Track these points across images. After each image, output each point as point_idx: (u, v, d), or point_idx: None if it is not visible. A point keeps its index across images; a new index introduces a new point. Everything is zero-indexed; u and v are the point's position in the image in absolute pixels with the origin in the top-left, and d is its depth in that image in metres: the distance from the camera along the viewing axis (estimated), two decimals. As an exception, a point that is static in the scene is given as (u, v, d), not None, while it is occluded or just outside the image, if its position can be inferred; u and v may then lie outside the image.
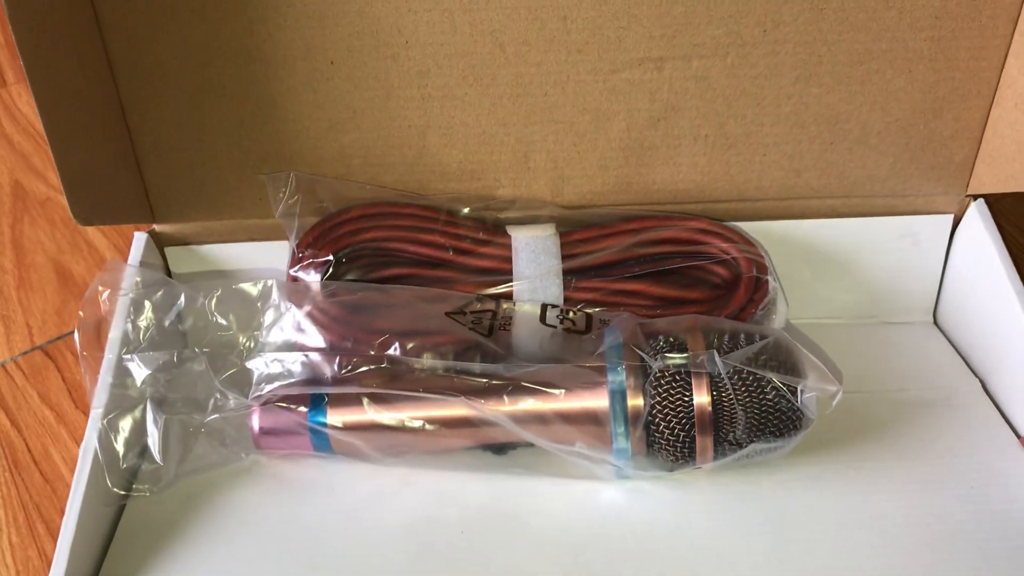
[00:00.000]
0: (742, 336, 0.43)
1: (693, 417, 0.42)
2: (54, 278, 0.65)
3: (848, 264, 0.54)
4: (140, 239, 0.52)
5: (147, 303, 0.48)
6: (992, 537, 0.42)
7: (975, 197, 0.52)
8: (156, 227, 0.53)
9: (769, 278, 0.48)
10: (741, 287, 0.48)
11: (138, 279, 0.49)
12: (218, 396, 0.46)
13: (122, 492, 0.45)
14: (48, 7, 0.43)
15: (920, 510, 0.43)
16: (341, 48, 0.47)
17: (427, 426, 0.44)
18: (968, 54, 0.48)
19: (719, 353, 0.42)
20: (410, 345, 0.46)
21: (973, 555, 0.41)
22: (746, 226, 0.52)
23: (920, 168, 0.52)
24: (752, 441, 0.42)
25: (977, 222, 0.51)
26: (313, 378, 0.46)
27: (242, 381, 0.46)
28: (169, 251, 0.53)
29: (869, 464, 0.46)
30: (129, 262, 0.51)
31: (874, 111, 0.50)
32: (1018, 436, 0.47)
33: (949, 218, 0.53)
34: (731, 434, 0.42)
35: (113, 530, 0.44)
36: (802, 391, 0.41)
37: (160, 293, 0.49)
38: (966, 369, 0.51)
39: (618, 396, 0.42)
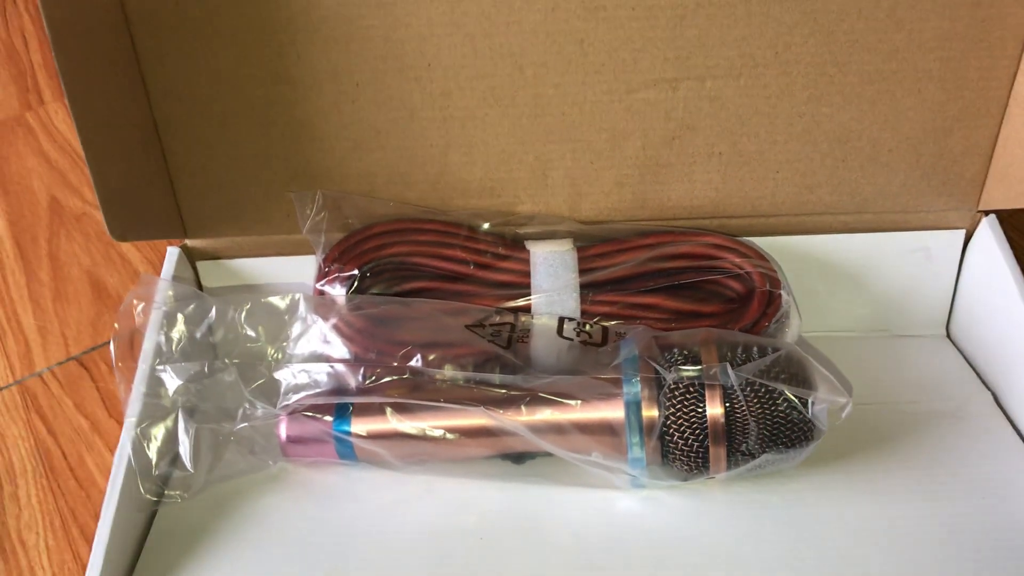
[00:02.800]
0: (755, 349, 0.44)
1: (707, 428, 0.43)
2: (89, 291, 0.67)
3: (861, 278, 0.55)
4: (173, 254, 0.54)
5: (179, 316, 0.50)
6: (1003, 548, 0.42)
7: (986, 213, 0.53)
8: (188, 242, 0.54)
9: (782, 292, 0.49)
10: (755, 301, 0.49)
11: (171, 293, 0.50)
12: (247, 406, 0.47)
13: (154, 498, 0.46)
14: (88, 32, 0.45)
15: (931, 520, 0.44)
16: (366, 71, 0.49)
17: (448, 435, 0.46)
18: (977, 74, 0.49)
19: (732, 365, 0.43)
20: (431, 357, 0.47)
21: (983, 566, 0.42)
22: (760, 241, 0.53)
23: (931, 184, 0.52)
24: (764, 451, 0.43)
25: (989, 237, 0.52)
26: (338, 388, 0.47)
27: (270, 391, 0.48)
28: (200, 265, 0.55)
29: (880, 475, 0.46)
30: (162, 276, 0.52)
31: (885, 129, 0.51)
32: (1029, 448, 0.48)
33: (961, 233, 0.54)
34: (744, 445, 0.43)
35: (145, 535, 0.45)
36: (813, 403, 0.42)
37: (192, 306, 0.50)
38: (978, 382, 0.52)
39: (633, 407, 0.44)
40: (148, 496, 0.46)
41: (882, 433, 0.48)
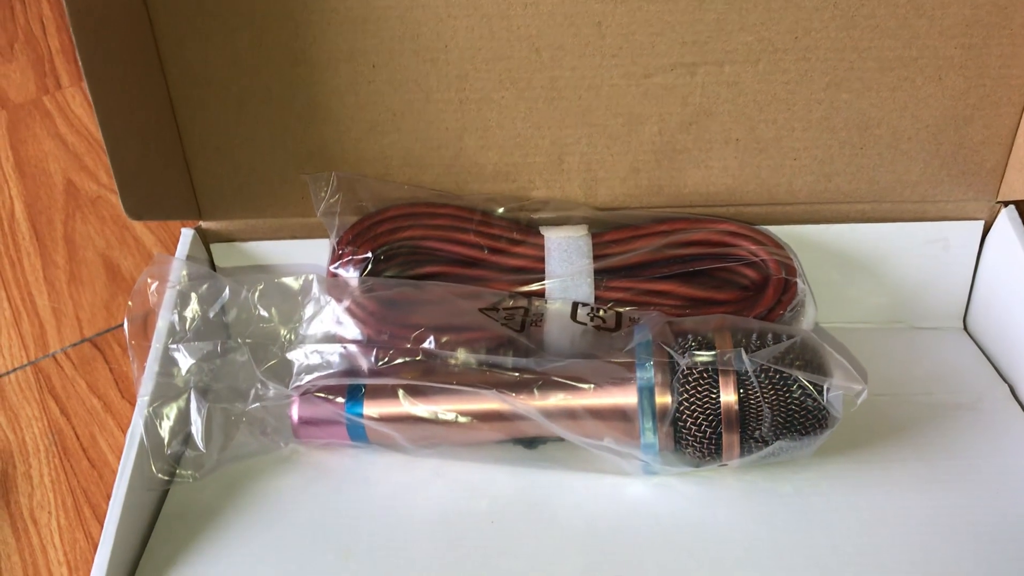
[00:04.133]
0: (769, 336, 0.43)
1: (720, 414, 0.42)
2: (103, 273, 0.67)
3: (878, 269, 0.54)
4: (187, 235, 0.54)
5: (193, 295, 0.50)
6: (1017, 540, 0.42)
7: (1006, 203, 0.52)
8: (203, 224, 0.54)
9: (798, 280, 0.49)
10: (770, 289, 0.49)
11: (184, 272, 0.50)
12: (259, 386, 0.47)
13: (166, 478, 0.46)
14: (106, 15, 0.45)
15: (944, 510, 0.44)
16: (382, 52, 0.49)
17: (460, 418, 0.45)
18: (999, 62, 0.49)
19: (746, 352, 0.42)
20: (444, 340, 0.47)
21: (996, 557, 0.41)
22: (776, 230, 0.53)
23: (950, 174, 0.52)
24: (778, 438, 0.42)
25: (1008, 228, 0.52)
26: (351, 370, 0.47)
27: (283, 372, 0.48)
28: (215, 247, 0.55)
29: (894, 464, 0.46)
30: (176, 257, 0.52)
31: (904, 117, 0.50)
32: (1046, 441, 0.47)
33: (979, 224, 0.53)
34: (757, 431, 0.42)
35: (156, 514, 0.45)
36: (828, 389, 0.42)
37: (205, 286, 0.50)
38: (995, 374, 0.52)
39: (646, 392, 0.43)
40: (160, 475, 0.46)
41: (897, 424, 0.48)
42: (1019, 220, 0.52)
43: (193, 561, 0.43)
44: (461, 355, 0.47)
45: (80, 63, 0.43)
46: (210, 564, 0.43)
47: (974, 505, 0.44)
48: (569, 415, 0.45)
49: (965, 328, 0.56)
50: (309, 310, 0.49)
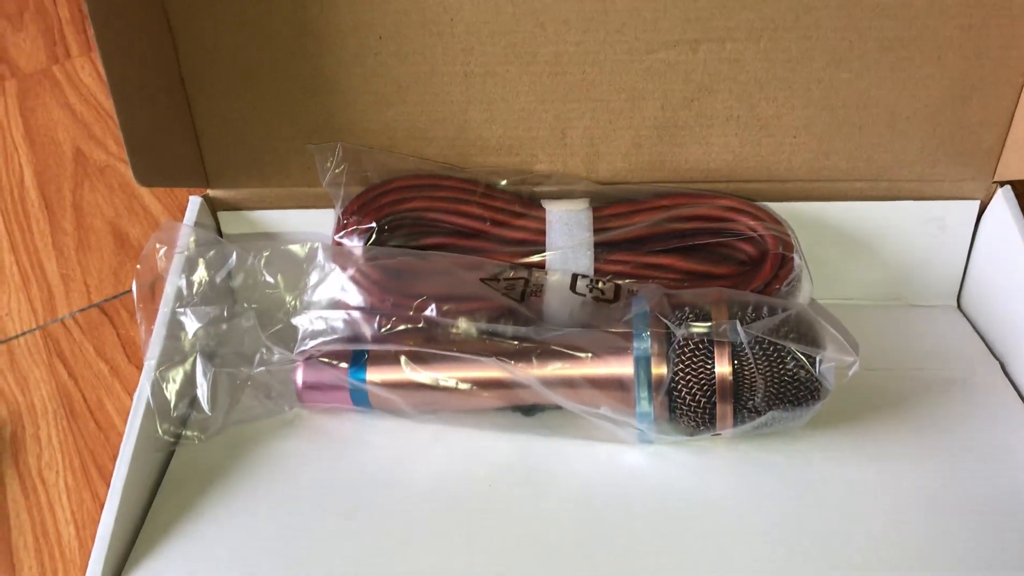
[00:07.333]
0: (765, 309, 0.44)
1: (714, 384, 0.43)
2: (111, 241, 0.68)
3: (874, 247, 0.55)
4: (195, 203, 0.54)
5: (200, 261, 0.50)
6: (1005, 513, 0.43)
7: (1002, 184, 0.53)
8: (210, 192, 0.55)
9: (794, 256, 0.50)
10: (767, 263, 0.49)
11: (192, 238, 0.51)
12: (264, 350, 0.48)
13: (172, 439, 0.47)
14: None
15: (933, 483, 0.44)
16: (389, 24, 0.49)
17: (460, 385, 0.46)
18: (998, 42, 0.49)
19: (742, 324, 0.43)
20: (446, 308, 0.48)
21: (985, 530, 0.42)
22: (775, 206, 0.53)
23: (948, 154, 0.52)
24: (771, 409, 0.43)
25: (1003, 209, 0.52)
26: (354, 336, 0.48)
27: (287, 337, 0.49)
28: (222, 215, 0.56)
29: (885, 437, 0.47)
30: (184, 223, 0.53)
31: (903, 97, 0.51)
32: (1034, 417, 0.48)
33: (976, 204, 0.54)
34: (751, 402, 0.43)
35: (162, 474, 0.46)
36: (820, 361, 0.42)
37: (213, 252, 0.51)
38: (987, 352, 0.52)
39: (643, 362, 0.44)
40: (165, 437, 0.46)
41: (888, 398, 0.49)
42: (1015, 200, 0.52)
43: (197, 520, 0.44)
44: (462, 324, 0.48)
45: (92, 32, 0.44)
46: (214, 523, 0.43)
47: (962, 479, 0.44)
48: (567, 383, 0.45)
49: (959, 306, 0.56)
50: (314, 277, 0.50)
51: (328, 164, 0.52)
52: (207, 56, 0.51)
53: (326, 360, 0.47)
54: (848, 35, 0.49)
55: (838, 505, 0.44)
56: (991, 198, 0.53)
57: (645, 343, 0.44)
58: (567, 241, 0.51)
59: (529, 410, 0.48)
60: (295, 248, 0.51)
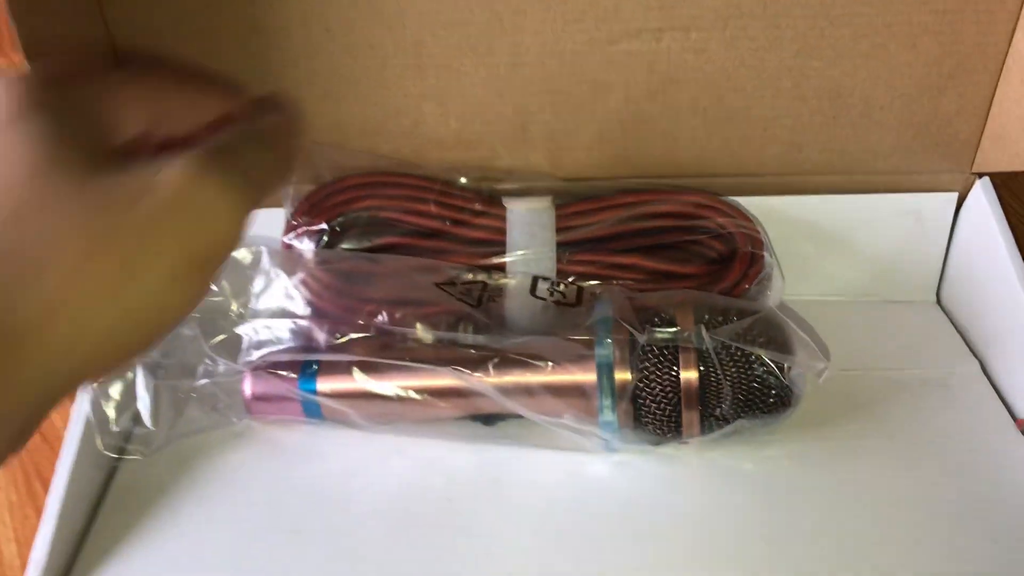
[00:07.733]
0: (733, 312, 0.42)
1: (679, 391, 0.41)
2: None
3: (850, 241, 0.53)
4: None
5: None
6: (981, 517, 0.42)
7: (980, 175, 0.51)
8: (154, 193, 0.53)
9: (765, 253, 0.48)
10: (736, 262, 0.48)
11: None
12: (208, 362, 0.46)
13: (114, 455, 0.45)
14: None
15: (909, 489, 0.43)
16: (337, 17, 0.47)
17: (416, 395, 0.44)
18: (975, 28, 0.47)
19: (708, 328, 0.42)
20: (400, 314, 0.46)
21: (960, 534, 0.41)
22: (746, 201, 0.51)
23: (924, 145, 0.51)
24: (739, 417, 0.42)
25: (982, 201, 0.51)
26: (304, 345, 0.46)
27: (233, 347, 0.47)
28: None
29: (859, 442, 0.45)
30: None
31: (877, 86, 0.49)
32: (1015, 419, 0.46)
33: (953, 196, 0.52)
34: (718, 409, 0.42)
35: (105, 489, 0.45)
36: (790, 368, 0.41)
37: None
38: (966, 350, 0.51)
39: (605, 369, 0.42)
40: (107, 453, 0.45)
41: (864, 400, 0.48)
42: (994, 192, 0.51)
43: (141, 538, 0.42)
44: (418, 331, 0.46)
45: (16, 32, 0.41)
46: (158, 541, 0.42)
47: (939, 483, 0.43)
48: (527, 392, 0.44)
49: (938, 301, 0.55)
50: (259, 284, 0.48)
51: (278, 162, 0.50)
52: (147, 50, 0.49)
53: (274, 371, 0.45)
54: (819, 22, 0.47)
55: (810, 513, 0.42)
56: (969, 190, 0.52)
57: (607, 349, 0.42)
58: (529, 241, 0.49)
59: (489, 419, 0.46)
60: (240, 254, 0.48)
